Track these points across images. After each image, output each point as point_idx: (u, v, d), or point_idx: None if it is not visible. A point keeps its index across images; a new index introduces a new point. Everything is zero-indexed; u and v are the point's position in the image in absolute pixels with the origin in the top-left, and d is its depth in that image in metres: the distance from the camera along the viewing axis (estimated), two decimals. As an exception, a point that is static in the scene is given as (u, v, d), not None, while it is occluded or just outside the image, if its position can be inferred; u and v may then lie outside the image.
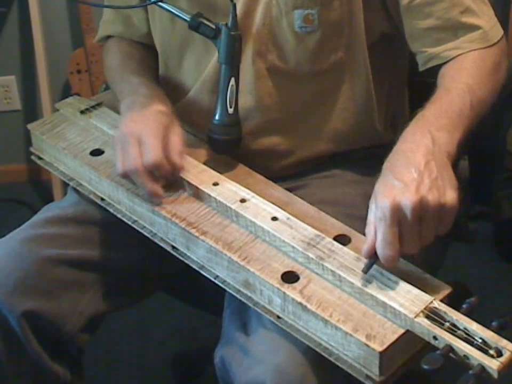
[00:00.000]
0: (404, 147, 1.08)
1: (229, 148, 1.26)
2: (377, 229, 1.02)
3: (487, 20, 1.22)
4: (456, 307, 1.00)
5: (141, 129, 1.20)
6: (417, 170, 1.03)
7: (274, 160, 1.32)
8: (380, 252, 1.01)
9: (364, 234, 1.12)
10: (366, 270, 1.04)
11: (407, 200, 1.00)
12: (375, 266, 1.05)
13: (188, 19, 1.21)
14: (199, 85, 1.32)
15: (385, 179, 1.05)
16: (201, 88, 1.31)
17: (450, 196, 1.02)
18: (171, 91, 1.34)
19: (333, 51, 1.25)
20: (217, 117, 1.23)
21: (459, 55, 1.20)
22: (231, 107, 1.21)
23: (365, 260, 1.05)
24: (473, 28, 1.21)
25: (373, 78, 1.29)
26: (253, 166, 1.28)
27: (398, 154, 1.08)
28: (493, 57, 1.21)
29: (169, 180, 1.21)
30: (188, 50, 1.32)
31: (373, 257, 1.03)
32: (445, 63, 1.22)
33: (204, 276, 1.15)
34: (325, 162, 1.34)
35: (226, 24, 1.18)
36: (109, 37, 1.46)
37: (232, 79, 1.20)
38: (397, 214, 1.00)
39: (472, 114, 1.14)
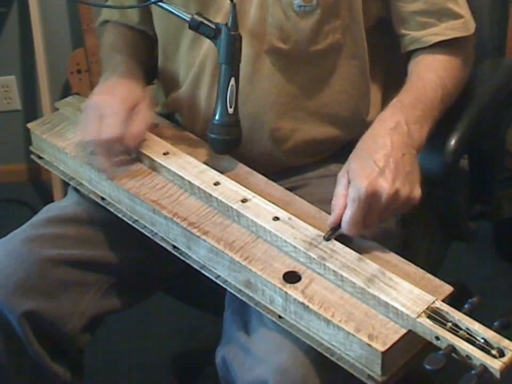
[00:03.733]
0: (381, 132, 1.15)
1: (229, 147, 1.26)
2: (348, 206, 1.08)
3: (465, 11, 1.28)
4: (456, 307, 1.00)
5: (105, 104, 1.24)
6: (394, 162, 1.10)
7: (273, 145, 1.31)
8: (345, 227, 1.09)
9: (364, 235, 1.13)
10: (328, 238, 1.09)
11: (384, 189, 1.08)
12: (376, 266, 1.05)
13: (188, 19, 1.21)
14: (195, 69, 1.31)
15: (362, 160, 1.12)
16: (199, 72, 1.31)
17: (418, 192, 1.11)
18: (170, 81, 1.35)
19: (330, 32, 1.25)
20: (217, 117, 1.22)
21: (441, 41, 1.25)
22: (231, 107, 1.21)
23: (367, 260, 1.06)
24: (456, 15, 1.26)
25: (369, 62, 1.30)
26: (253, 154, 1.29)
27: (376, 138, 1.14)
28: (466, 48, 1.28)
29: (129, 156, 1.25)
30: (183, 33, 1.32)
31: (336, 227, 1.10)
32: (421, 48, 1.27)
33: (205, 276, 1.15)
34: (326, 159, 1.34)
35: (226, 24, 1.18)
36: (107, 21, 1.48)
37: (232, 79, 1.20)
38: (371, 198, 1.08)
39: (441, 107, 1.22)
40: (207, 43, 1.28)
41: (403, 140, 1.13)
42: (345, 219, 1.08)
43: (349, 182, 1.10)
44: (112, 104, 1.23)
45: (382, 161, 1.10)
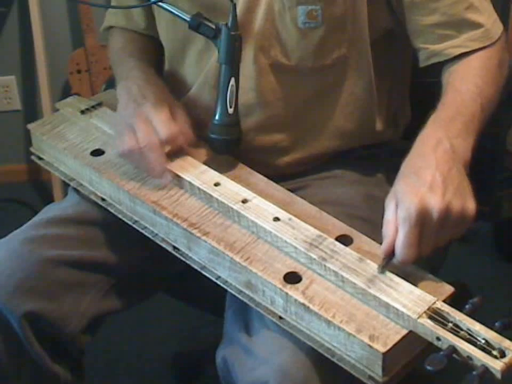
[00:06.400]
0: (424, 150, 1.09)
1: (229, 148, 1.26)
2: (400, 228, 1.02)
3: (488, 16, 1.24)
4: (456, 307, 1.00)
5: (146, 108, 1.22)
6: (441, 176, 1.04)
7: (276, 157, 1.32)
8: (399, 251, 1.02)
9: (366, 235, 1.12)
10: (382, 270, 1.04)
11: (435, 203, 1.01)
12: (376, 267, 1.05)
13: (188, 19, 1.21)
14: (201, 80, 1.32)
15: (408, 179, 1.06)
16: (203, 84, 1.32)
17: (471, 204, 1.04)
18: (175, 87, 1.34)
19: (336, 47, 1.24)
20: (217, 117, 1.22)
21: (462, 53, 1.21)
22: (231, 107, 1.21)
23: (368, 261, 1.06)
24: (476, 25, 1.22)
25: (375, 75, 1.29)
26: (255, 162, 1.28)
27: (419, 157, 1.09)
28: (497, 54, 1.23)
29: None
30: (190, 46, 1.32)
31: (390, 255, 1.04)
32: (446, 60, 1.23)
33: (206, 277, 1.15)
34: (326, 162, 1.34)
35: (226, 24, 1.18)
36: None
37: (232, 79, 1.20)
38: (422, 215, 1.01)
39: (482, 117, 1.16)
40: (213, 58, 1.27)
41: (447, 155, 1.08)
42: (398, 243, 1.02)
43: (397, 206, 1.04)
44: (154, 107, 1.22)
45: (428, 177, 1.04)
